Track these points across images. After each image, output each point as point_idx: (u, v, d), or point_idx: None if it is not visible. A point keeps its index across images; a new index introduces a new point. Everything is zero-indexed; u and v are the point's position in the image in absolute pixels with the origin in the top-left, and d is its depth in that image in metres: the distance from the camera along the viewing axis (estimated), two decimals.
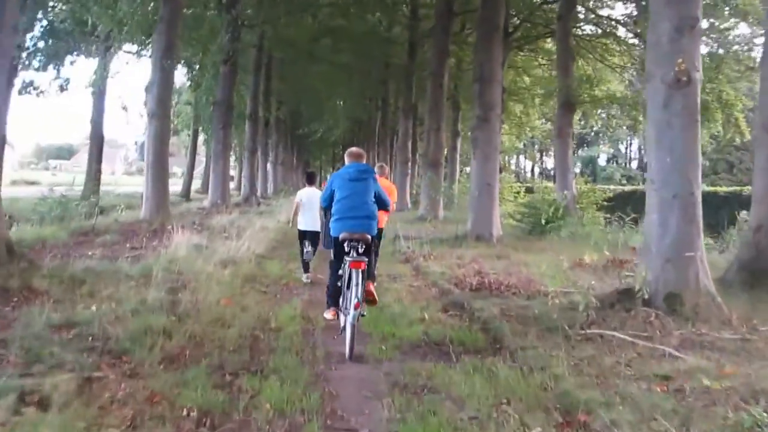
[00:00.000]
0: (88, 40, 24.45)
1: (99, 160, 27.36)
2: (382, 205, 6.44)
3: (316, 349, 5.77)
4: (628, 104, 19.89)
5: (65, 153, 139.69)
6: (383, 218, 8.55)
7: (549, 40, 26.09)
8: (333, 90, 38.28)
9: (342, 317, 5.86)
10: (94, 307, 5.94)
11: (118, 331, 5.23)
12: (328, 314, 6.14)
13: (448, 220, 20.70)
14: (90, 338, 5.04)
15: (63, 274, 7.18)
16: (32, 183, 43.79)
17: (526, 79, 31.26)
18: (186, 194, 37.07)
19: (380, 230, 8.83)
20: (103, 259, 9.23)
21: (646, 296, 6.34)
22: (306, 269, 9.50)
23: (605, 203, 19.44)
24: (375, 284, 7.01)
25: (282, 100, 40.49)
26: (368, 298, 6.23)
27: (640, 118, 20.73)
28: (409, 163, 30.15)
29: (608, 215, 17.70)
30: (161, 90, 15.44)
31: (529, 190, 24.90)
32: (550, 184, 23.03)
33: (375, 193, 6.23)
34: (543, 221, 15.61)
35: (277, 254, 12.32)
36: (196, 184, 45.07)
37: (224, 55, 21.44)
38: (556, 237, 14.90)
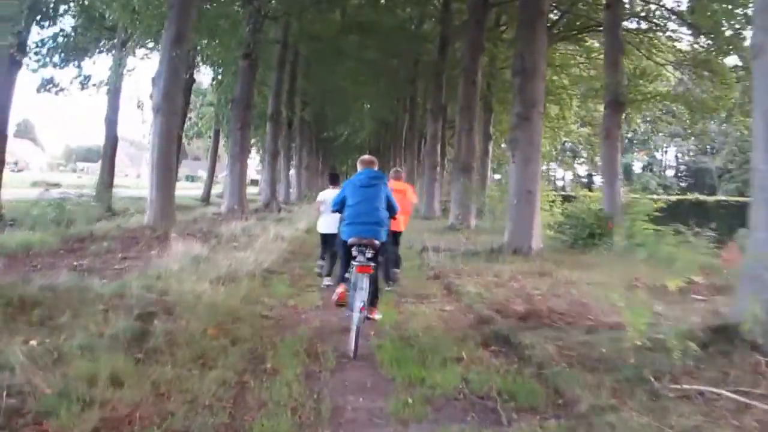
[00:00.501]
0: (106, 35, 23.60)
1: (113, 161, 26.37)
2: (392, 211, 6.59)
3: (321, 401, 4.38)
4: (686, 103, 18.13)
5: (94, 155, 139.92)
6: (401, 221, 8.91)
7: (589, 36, 24.56)
8: (359, 90, 36.94)
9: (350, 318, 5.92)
10: (34, 341, 4.59)
11: (49, 379, 3.87)
12: (340, 288, 6.40)
13: (481, 230, 19.24)
14: (4, 393, 3.66)
15: (13, 293, 5.79)
16: (54, 185, 43.01)
17: (564, 78, 29.56)
18: (206, 198, 36.05)
19: (398, 233, 9.45)
20: (83, 271, 7.95)
21: (759, 340, 4.82)
22: (327, 273, 9.43)
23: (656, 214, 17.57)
24: (378, 301, 6.72)
25: (306, 101, 39.28)
26: (367, 316, 6.09)
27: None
28: (438, 168, 28.67)
29: (658, 228, 16.07)
30: (169, 83, 14.13)
31: (567, 199, 23.27)
32: (592, 192, 21.48)
33: (386, 199, 6.47)
34: (586, 233, 14.07)
35: (288, 268, 10.88)
36: (219, 188, 44.05)
37: (244, 48, 20.22)
38: (603, 252, 13.30)
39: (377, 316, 6.49)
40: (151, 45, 23.56)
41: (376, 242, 6.15)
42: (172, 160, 14.38)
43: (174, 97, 14.34)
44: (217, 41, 21.95)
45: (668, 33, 19.67)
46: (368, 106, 41.39)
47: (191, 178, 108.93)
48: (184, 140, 34.71)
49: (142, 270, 7.94)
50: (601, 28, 19.12)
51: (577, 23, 21.29)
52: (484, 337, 6.20)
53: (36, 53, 22.07)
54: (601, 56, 25.58)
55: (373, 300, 6.27)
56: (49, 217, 12.47)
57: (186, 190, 49.32)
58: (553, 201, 25.49)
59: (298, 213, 24.60)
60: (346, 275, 6.36)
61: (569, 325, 6.49)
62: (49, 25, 20.86)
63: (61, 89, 24.46)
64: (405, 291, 9.06)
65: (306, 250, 13.48)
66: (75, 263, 8.81)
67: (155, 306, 5.85)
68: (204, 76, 38.30)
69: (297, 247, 13.83)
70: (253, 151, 51.00)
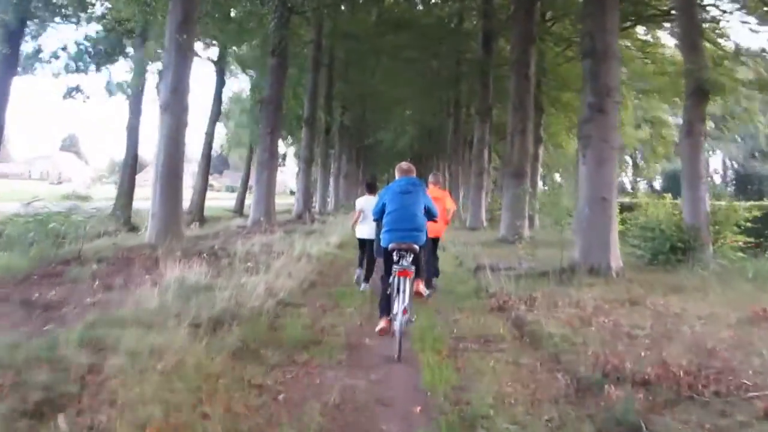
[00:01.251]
0: (129, 38, 22.24)
1: (134, 171, 24.96)
2: (430, 217, 6.66)
3: None
4: None
5: (138, 167, 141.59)
6: (440, 228, 9.36)
7: (650, 25, 22.05)
8: (400, 93, 34.93)
9: (392, 323, 6.02)
10: None
11: None
12: (382, 323, 6.11)
13: (539, 243, 16.93)
14: None
15: None
16: (84, 198, 42.33)
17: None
18: (239, 209, 34.41)
19: (436, 240, 9.76)
20: (34, 308, 5.99)
21: None
22: (365, 279, 9.55)
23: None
24: (423, 284, 6.70)
25: (346, 105, 37.39)
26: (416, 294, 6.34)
27: None
28: (485, 175, 26.40)
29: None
30: (176, 75, 12.17)
31: (628, 208, 20.78)
32: (672, 199, 18.99)
33: (424, 206, 6.55)
34: (667, 247, 11.73)
35: (310, 298, 8.66)
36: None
37: (272, 45, 18.40)
38: (692, 269, 10.89)
39: (422, 290, 6.56)
40: None
41: (416, 247, 6.26)
42: (180, 166, 12.41)
43: (183, 91, 12.36)
44: (245, 41, 20.33)
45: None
46: (409, 112, 39.18)
47: (231, 189, 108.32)
48: (219, 149, 33.25)
49: (108, 309, 5.93)
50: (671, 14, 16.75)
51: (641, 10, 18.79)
52: (597, 422, 3.97)
53: (56, 57, 21.01)
54: (660, 49, 23.39)
55: (419, 274, 6.40)
56: (31, 235, 10.45)
57: (223, 201, 48.10)
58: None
59: (332, 224, 22.62)
60: (390, 280, 6.32)
61: (720, 397, 4.25)
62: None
63: (87, 97, 23.21)
64: (462, 329, 6.93)
65: (336, 271, 11.45)
66: (36, 295, 6.88)
67: (70, 384, 3.71)
68: (244, 83, 36.66)
69: (325, 267, 11.78)
70: (292, 158, 49.47)
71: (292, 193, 58.82)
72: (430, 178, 10.16)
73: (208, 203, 34.59)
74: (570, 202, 13.05)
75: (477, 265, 11.40)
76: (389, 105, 37.91)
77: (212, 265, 9.12)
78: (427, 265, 8.46)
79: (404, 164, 6.98)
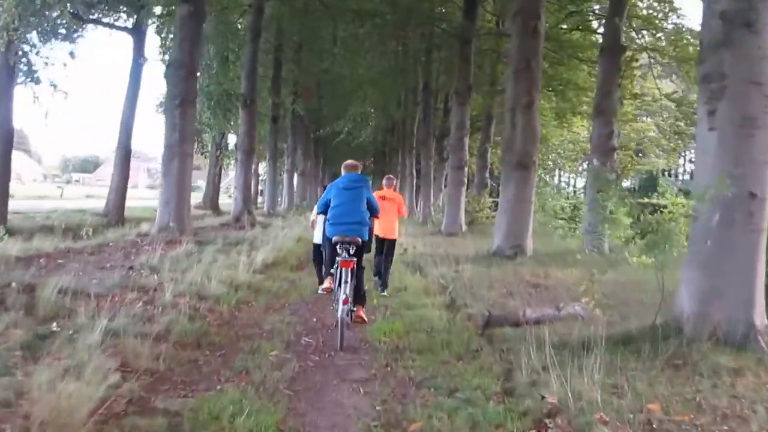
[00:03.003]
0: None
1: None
2: (373, 212, 6.99)
3: None
4: None
5: (90, 166, 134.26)
6: (393, 226, 9.76)
7: None
8: (361, 76, 29.83)
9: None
10: None
11: None
12: (326, 282, 6.80)
13: (548, 260, 12.21)
14: None
15: None
16: (41, 197, 37.68)
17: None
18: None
19: (392, 242, 9.87)
20: None
21: None
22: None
23: None
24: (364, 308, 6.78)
25: (298, 92, 32.16)
26: (356, 320, 6.49)
27: None
28: (466, 169, 21.54)
29: None
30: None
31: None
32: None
33: (367, 201, 6.86)
34: None
35: None
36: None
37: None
38: None
39: (363, 313, 6.58)
40: None
41: (359, 240, 6.52)
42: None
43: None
44: None
45: None
46: (371, 100, 34.02)
47: (193, 188, 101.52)
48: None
49: None
50: None
51: None
52: None
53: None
54: None
55: (359, 299, 6.59)
56: None
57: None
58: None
59: (274, 229, 17.63)
60: (332, 271, 6.67)
61: None
62: None
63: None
64: None
65: (234, 335, 6.31)
66: None
67: None
68: None
69: (214, 326, 6.59)
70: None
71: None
72: (385, 182, 10.24)
73: (140, 203, 29.47)
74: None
75: (486, 316, 6.49)
76: (348, 92, 32.78)
77: None
78: (376, 266, 9.72)
79: (349, 162, 7.35)
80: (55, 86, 18.28)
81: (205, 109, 22.02)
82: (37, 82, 19.79)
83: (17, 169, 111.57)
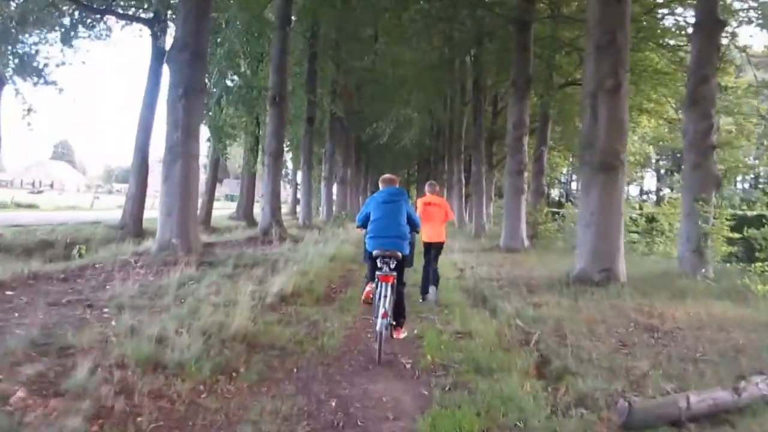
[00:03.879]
0: None
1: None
2: (413, 226, 7.02)
3: None
4: None
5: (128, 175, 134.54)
6: (440, 231, 9.51)
7: None
8: (403, 72, 27.36)
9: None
10: None
11: None
12: (368, 287, 6.57)
13: (653, 287, 9.52)
14: None
15: None
16: (72, 208, 36.60)
17: None
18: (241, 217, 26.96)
19: (439, 245, 9.62)
20: None
21: None
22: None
23: None
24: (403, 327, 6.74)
25: (336, 90, 29.73)
26: (391, 332, 6.48)
27: None
28: (525, 174, 18.81)
29: None
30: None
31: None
32: None
33: (407, 215, 6.82)
34: None
35: None
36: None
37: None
38: None
39: (402, 335, 6.67)
40: None
41: (399, 254, 6.44)
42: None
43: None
44: None
45: None
46: (414, 99, 31.47)
47: (231, 197, 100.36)
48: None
49: None
50: None
51: None
52: None
53: None
54: None
55: (398, 318, 6.60)
56: None
57: (220, 210, 42.32)
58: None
59: (306, 245, 15.21)
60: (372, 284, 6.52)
61: None
62: None
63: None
64: None
65: None
66: None
67: None
68: None
69: None
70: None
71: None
72: (427, 188, 9.97)
73: None
74: None
75: (626, 408, 3.87)
76: (391, 91, 30.39)
77: None
78: (425, 281, 9.48)
79: (387, 176, 7.27)
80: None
81: (226, 105, 19.58)
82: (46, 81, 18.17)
83: (60, 179, 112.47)
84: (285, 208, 53.27)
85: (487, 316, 7.77)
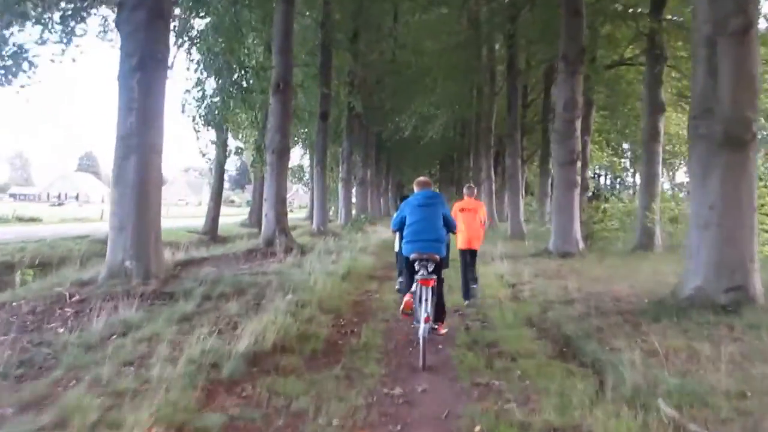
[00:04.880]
0: None
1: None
2: (449, 228, 6.85)
3: None
4: None
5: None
6: (475, 236, 9.17)
7: None
8: (426, 60, 24.46)
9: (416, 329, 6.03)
10: None
11: None
12: (407, 297, 6.27)
13: None
14: None
15: None
16: (80, 220, 34.68)
17: None
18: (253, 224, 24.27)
19: (474, 252, 9.23)
20: None
21: None
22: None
23: None
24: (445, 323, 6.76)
25: (354, 82, 26.72)
26: (433, 327, 6.25)
27: None
28: (578, 165, 15.60)
29: None
30: None
31: None
32: None
33: (443, 217, 6.70)
34: None
35: None
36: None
37: None
38: None
39: (444, 330, 6.66)
40: None
41: (437, 257, 6.33)
42: None
43: None
44: None
45: None
46: (439, 81, 28.39)
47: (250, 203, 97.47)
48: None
49: None
50: None
51: None
52: None
53: None
54: None
55: (439, 315, 6.49)
56: None
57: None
58: None
59: (314, 258, 12.30)
60: (412, 289, 6.31)
61: None
62: None
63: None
64: None
65: None
66: None
67: None
68: None
69: None
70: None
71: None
72: (465, 191, 9.83)
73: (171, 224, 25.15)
74: None
75: None
76: (413, 83, 27.47)
77: None
78: (465, 279, 9.07)
79: (422, 179, 7.26)
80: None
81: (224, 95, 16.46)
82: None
83: (86, 191, 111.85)
84: (303, 213, 50.40)
85: (591, 389, 4.60)
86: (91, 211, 49.25)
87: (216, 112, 16.38)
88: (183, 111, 17.96)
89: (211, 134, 20.20)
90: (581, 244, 14.94)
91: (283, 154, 15.88)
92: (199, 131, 18.61)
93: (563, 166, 15.04)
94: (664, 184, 16.59)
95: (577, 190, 15.30)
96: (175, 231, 24.25)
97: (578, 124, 15.15)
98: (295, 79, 18.09)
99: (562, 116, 15.09)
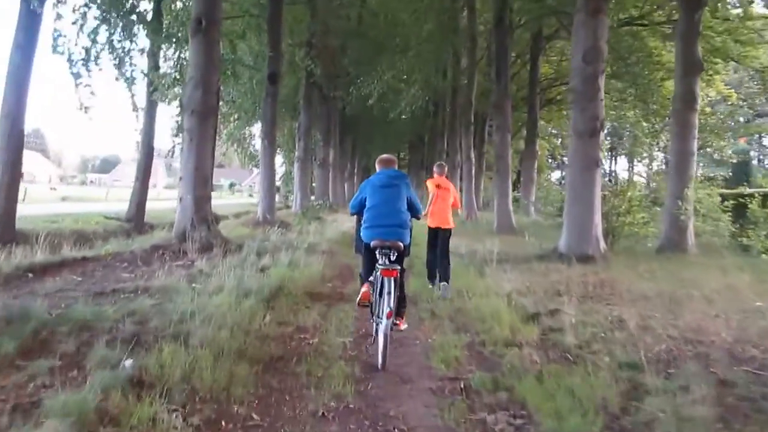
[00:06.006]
0: None
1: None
2: (414, 213, 6.06)
3: None
4: None
5: (110, 166, 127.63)
6: (447, 216, 8.55)
7: None
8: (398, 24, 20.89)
9: (375, 325, 5.47)
10: None
11: None
12: (363, 288, 5.51)
13: None
14: None
15: None
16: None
17: None
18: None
19: (447, 231, 8.55)
20: None
21: None
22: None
23: None
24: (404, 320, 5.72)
25: (312, 42, 22.56)
26: (394, 323, 5.39)
27: None
28: (602, 136, 11.80)
29: None
30: None
31: None
32: None
33: (408, 200, 5.94)
34: None
35: None
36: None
37: None
38: None
39: (404, 326, 5.74)
40: None
41: (400, 244, 5.59)
42: None
43: None
44: None
45: None
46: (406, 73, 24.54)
47: (232, 186, 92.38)
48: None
49: None
50: None
51: None
52: None
53: None
54: None
55: (400, 309, 5.61)
56: None
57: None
58: None
59: (234, 267, 8.29)
60: (371, 279, 5.61)
61: None
62: None
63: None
64: None
65: None
66: None
67: None
68: None
69: None
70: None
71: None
72: (435, 169, 9.18)
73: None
74: None
75: None
76: (381, 48, 23.70)
77: None
78: (430, 264, 8.67)
79: (385, 156, 6.38)
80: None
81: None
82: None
83: (31, 171, 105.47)
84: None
85: None
86: (37, 194, 44.37)
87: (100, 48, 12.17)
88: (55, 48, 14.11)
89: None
90: (602, 244, 11.17)
91: (206, 116, 11.68)
92: (81, 77, 14.78)
93: (582, 137, 11.23)
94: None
95: (599, 171, 11.53)
96: (91, 217, 19.99)
97: (602, 81, 11.31)
98: (230, 25, 13.95)
99: (581, 70, 11.27)
